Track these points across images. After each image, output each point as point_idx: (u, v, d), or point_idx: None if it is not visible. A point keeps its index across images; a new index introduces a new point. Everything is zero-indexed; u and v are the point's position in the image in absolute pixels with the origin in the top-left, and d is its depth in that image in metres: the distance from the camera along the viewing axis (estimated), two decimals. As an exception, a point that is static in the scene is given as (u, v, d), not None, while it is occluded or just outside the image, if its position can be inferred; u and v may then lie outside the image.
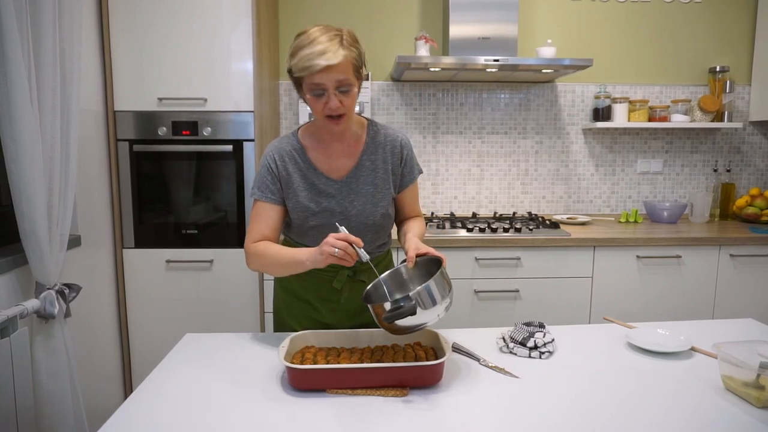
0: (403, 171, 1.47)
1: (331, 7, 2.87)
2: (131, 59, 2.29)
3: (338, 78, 1.26)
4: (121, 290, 2.41)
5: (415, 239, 1.33)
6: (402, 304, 1.13)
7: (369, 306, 1.21)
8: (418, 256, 1.27)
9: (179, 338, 1.45)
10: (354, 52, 1.28)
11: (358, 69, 1.31)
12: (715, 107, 2.88)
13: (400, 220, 1.56)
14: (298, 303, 1.52)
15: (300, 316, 1.52)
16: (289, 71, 1.30)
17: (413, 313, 1.13)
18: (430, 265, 1.28)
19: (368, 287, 1.29)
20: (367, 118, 1.48)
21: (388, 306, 1.14)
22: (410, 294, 1.14)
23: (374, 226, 1.45)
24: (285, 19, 2.88)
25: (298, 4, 2.86)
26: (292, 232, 1.49)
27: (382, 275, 1.32)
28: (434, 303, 1.15)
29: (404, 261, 1.30)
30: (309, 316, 1.52)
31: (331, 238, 1.21)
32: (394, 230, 1.61)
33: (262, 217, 1.41)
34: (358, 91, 1.34)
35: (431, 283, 1.15)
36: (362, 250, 1.22)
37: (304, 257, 1.28)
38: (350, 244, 1.20)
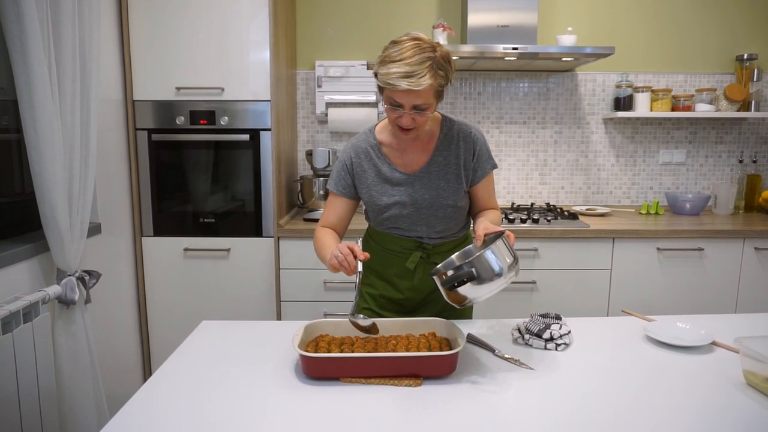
0: (475, 166, 1.48)
1: (348, -4, 2.85)
2: (150, 49, 2.31)
3: (416, 102, 1.29)
4: (140, 277, 2.44)
5: (485, 221, 1.35)
6: (461, 269, 1.15)
7: (434, 278, 1.24)
8: (486, 235, 1.28)
9: (197, 325, 1.46)
10: (441, 79, 1.29)
11: (440, 92, 1.33)
12: (741, 96, 2.80)
13: (475, 213, 1.57)
14: (379, 281, 1.57)
15: (378, 295, 1.57)
16: (375, 75, 1.32)
17: (471, 278, 1.14)
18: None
19: (438, 266, 1.34)
20: (441, 114, 1.49)
21: (450, 273, 1.17)
22: (469, 260, 1.16)
23: (444, 217, 1.48)
24: (302, 8, 2.87)
25: (315, -8, 2.85)
26: (371, 220, 1.57)
27: (453, 255, 1.38)
28: (493, 271, 1.15)
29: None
30: (387, 296, 1.56)
31: (342, 245, 1.27)
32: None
33: (331, 207, 1.53)
34: (435, 108, 1.38)
35: (490, 249, 1.16)
36: (360, 263, 1.26)
37: (325, 256, 1.35)
38: (352, 253, 1.25)
